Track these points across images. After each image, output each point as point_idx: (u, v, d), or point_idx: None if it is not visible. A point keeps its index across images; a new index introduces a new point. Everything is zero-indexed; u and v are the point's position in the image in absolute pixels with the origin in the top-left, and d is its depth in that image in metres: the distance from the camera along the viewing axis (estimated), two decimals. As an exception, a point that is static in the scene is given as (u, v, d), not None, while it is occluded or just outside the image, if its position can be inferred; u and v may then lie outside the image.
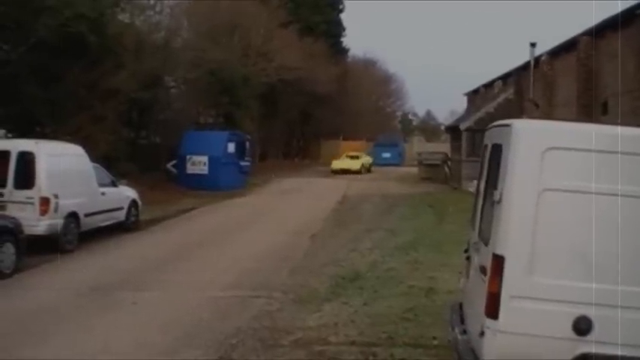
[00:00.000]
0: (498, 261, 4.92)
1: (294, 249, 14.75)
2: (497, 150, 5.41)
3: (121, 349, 7.65)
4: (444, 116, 76.00)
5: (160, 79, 29.40)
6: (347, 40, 60.20)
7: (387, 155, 53.22)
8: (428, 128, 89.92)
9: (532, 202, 4.84)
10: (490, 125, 6.17)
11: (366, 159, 47.08)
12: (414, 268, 12.07)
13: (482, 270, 5.31)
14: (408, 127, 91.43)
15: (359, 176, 40.88)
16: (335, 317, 8.88)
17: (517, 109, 26.51)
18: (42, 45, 18.67)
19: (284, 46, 38.23)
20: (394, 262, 12.78)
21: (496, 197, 5.07)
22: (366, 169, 44.97)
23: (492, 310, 4.94)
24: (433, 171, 36.69)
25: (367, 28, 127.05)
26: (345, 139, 56.17)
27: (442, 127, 59.45)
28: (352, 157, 46.16)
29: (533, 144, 4.91)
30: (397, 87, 78.44)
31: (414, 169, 41.08)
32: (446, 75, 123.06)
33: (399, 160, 53.00)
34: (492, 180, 5.46)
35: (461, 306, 6.46)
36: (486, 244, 5.33)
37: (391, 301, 9.68)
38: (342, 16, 57.26)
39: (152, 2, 28.70)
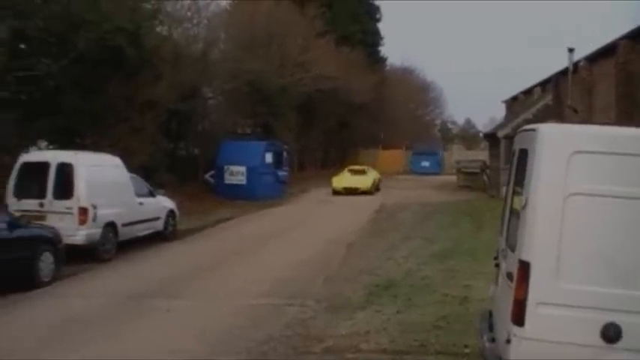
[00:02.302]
0: (524, 267, 4.86)
1: (330, 258, 14.75)
2: (523, 155, 5.36)
3: (152, 356, 7.73)
4: (483, 124, 75.26)
5: (197, 90, 29.69)
6: (385, 49, 60.17)
7: (425, 164, 52.89)
8: (467, 136, 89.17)
9: (558, 206, 4.77)
10: (518, 130, 6.11)
11: (375, 173, 37.16)
12: (449, 277, 11.97)
13: (509, 276, 5.26)
14: (448, 136, 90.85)
15: (397, 184, 40.03)
16: (367, 325, 8.85)
17: (556, 115, 26.17)
18: (82, 58, 18.96)
19: (321, 56, 38.27)
20: (429, 270, 12.69)
21: (522, 202, 5.02)
22: (376, 187, 35.27)
23: (518, 316, 4.88)
24: (472, 179, 36.37)
25: (405, 37, 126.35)
26: (383, 147, 56.00)
27: (480, 135, 58.64)
28: (357, 172, 36.35)
29: (559, 148, 4.85)
30: (436, 95, 78.07)
31: (453, 178, 40.75)
32: (485, 82, 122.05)
33: (437, 169, 52.59)
34: (519, 185, 5.40)
35: (490, 314, 6.40)
36: (513, 250, 5.28)
37: (424, 309, 9.61)
38: (380, 25, 57.22)
39: (190, 14, 29.01)
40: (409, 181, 44.58)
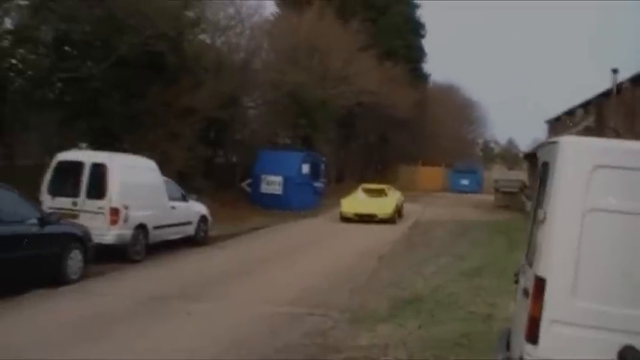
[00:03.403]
0: (540, 283, 4.72)
1: (359, 270, 14.65)
2: (546, 168, 5.23)
3: (168, 355, 7.77)
4: (526, 145, 74.42)
5: (238, 99, 29.89)
6: (428, 66, 59.97)
7: (464, 182, 52.44)
8: (509, 157, 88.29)
9: (577, 222, 4.62)
10: (542, 142, 5.97)
11: (397, 195, 28.88)
12: (476, 294, 11.77)
13: (526, 293, 5.12)
14: (490, 155, 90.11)
15: (434, 201, 39.30)
16: (387, 338, 8.72)
17: (597, 137, 25.67)
18: (123, 62, 19.28)
19: (363, 70, 38.19)
20: (457, 287, 12.50)
21: (540, 216, 4.88)
22: (398, 213, 27.53)
23: (532, 334, 4.73)
24: (510, 198, 35.88)
25: (450, 54, 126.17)
26: (423, 164, 55.66)
27: (520, 155, 57.84)
28: (375, 193, 28.08)
29: (580, 161, 4.70)
30: (479, 114, 77.50)
31: (492, 197, 40.29)
32: (528, 103, 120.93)
33: (477, 187, 52.08)
34: (540, 199, 5.27)
35: (510, 332, 6.24)
36: (531, 265, 5.14)
37: (447, 325, 9.45)
38: (424, 41, 57.04)
39: (233, 23, 29.24)
40: (447, 198, 44.28)
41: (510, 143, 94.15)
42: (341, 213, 25.79)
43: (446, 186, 53.50)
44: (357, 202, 26.84)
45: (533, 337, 4.72)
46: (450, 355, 8.01)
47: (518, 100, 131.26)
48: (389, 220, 25.31)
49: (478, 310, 10.41)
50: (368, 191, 28.32)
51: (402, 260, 16.33)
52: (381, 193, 28.01)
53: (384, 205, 26.37)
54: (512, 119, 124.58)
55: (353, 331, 9.11)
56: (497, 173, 56.39)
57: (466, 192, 49.39)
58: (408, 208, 30.74)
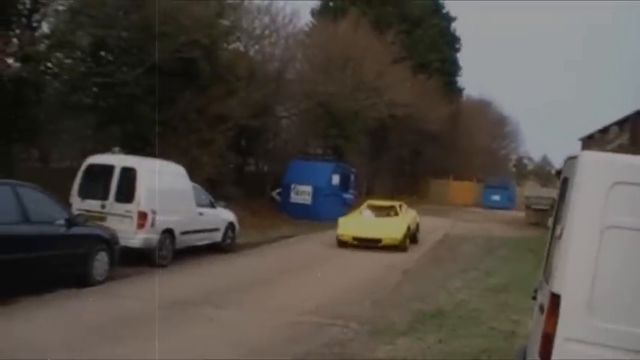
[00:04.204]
0: (555, 300, 4.66)
1: (383, 282, 14.60)
2: (565, 183, 5.17)
3: (187, 358, 7.83)
4: (560, 162, 73.55)
5: (270, 108, 30.00)
6: (462, 80, 59.72)
7: (496, 197, 51.86)
8: (543, 173, 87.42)
9: (595, 239, 4.56)
10: (565, 158, 5.90)
11: (410, 214, 23.31)
12: (500, 311, 11.67)
13: (542, 309, 5.06)
14: (523, 172, 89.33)
15: (465, 216, 38.93)
16: (406, 351, 8.68)
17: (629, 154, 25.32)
18: (157, 68, 19.46)
19: (397, 82, 38.17)
20: (481, 302, 12.40)
21: (557, 232, 4.83)
22: (411, 237, 21.95)
23: (545, 352, 4.67)
24: (541, 215, 35.37)
25: (484, 69, 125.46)
26: (455, 179, 55.30)
27: (552, 172, 57.15)
28: (382, 211, 22.97)
29: (600, 177, 4.64)
30: (512, 129, 76.97)
31: (523, 214, 39.86)
32: (563, 120, 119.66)
33: (508, 203, 51.46)
34: (559, 215, 5.21)
35: (526, 350, 6.17)
36: (547, 282, 5.08)
37: (468, 340, 9.37)
38: (459, 55, 56.86)
39: (268, 32, 29.42)
40: (477, 214, 43.89)
41: (544, 160, 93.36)
42: (337, 236, 20.71)
43: (477, 201, 53.02)
44: (358, 222, 21.62)
45: (546, 354, 4.67)
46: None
47: (552, 117, 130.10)
48: (398, 247, 20.13)
49: (501, 326, 10.32)
50: (374, 208, 23.08)
51: (428, 274, 16.24)
52: (390, 211, 22.77)
53: (393, 227, 20.88)
54: (547, 136, 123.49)
55: (372, 344, 9.08)
56: (529, 190, 55.76)
57: (497, 208, 48.87)
58: (433, 223, 30.49)
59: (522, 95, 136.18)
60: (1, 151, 16.63)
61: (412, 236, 22.05)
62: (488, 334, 9.82)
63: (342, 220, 21.48)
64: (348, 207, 31.33)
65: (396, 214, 22.40)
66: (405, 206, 23.59)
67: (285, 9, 31.14)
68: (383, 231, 20.57)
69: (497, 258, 20.22)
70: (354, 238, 20.35)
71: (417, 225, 23.49)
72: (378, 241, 20.24)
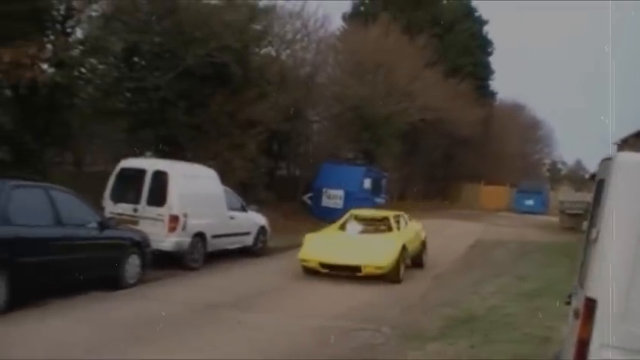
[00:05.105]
0: (590, 305, 4.54)
1: (413, 287, 14.47)
2: (601, 186, 5.06)
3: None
4: (594, 166, 72.53)
5: (301, 112, 30.02)
6: (494, 84, 59.27)
7: (529, 202, 51.18)
8: (577, 178, 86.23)
9: (631, 241, 4.44)
10: (601, 160, 5.77)
11: (412, 229, 17.56)
12: (534, 316, 11.47)
13: (577, 314, 4.94)
14: (557, 176, 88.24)
15: (497, 221, 38.51)
16: (437, 356, 8.59)
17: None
18: (189, 73, 19.62)
19: (428, 86, 38.01)
20: (514, 308, 12.22)
21: (592, 236, 4.72)
22: (415, 259, 16.75)
23: (581, 358, 4.55)
24: (575, 220, 34.85)
25: (516, 72, 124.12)
26: (487, 183, 54.82)
27: (586, 176, 56.31)
28: (371, 224, 17.07)
29: (636, 179, 4.52)
30: (545, 133, 76.01)
31: (557, 219, 39.35)
32: (597, 124, 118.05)
33: (542, 208, 50.75)
34: (594, 218, 5.09)
35: (560, 355, 6.05)
36: (582, 286, 4.97)
37: (500, 346, 9.23)
38: (491, 58, 56.43)
39: (299, 37, 29.46)
40: (510, 218, 43.37)
41: (578, 165, 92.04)
42: (301, 260, 14.97)
43: (509, 206, 52.46)
44: (331, 240, 15.68)
45: (581, 361, 4.55)
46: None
47: (586, 121, 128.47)
48: (387, 277, 14.47)
49: (534, 332, 10.15)
50: (361, 220, 17.16)
51: (459, 279, 16.09)
52: (380, 224, 16.82)
53: (379, 248, 14.78)
54: (581, 140, 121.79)
55: (402, 349, 8.98)
56: (563, 194, 55.00)
57: (531, 212, 48.23)
58: (463, 228, 30.14)
59: (556, 98, 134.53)
60: (35, 155, 16.83)
61: (416, 258, 16.74)
62: (522, 340, 9.66)
63: (309, 238, 15.61)
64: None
65: (389, 228, 16.36)
66: (405, 217, 17.74)
67: (316, 13, 31.10)
68: (364, 254, 14.50)
69: (530, 263, 19.94)
70: (323, 265, 14.53)
71: (423, 243, 17.78)
72: (356, 269, 14.37)
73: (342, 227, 16.82)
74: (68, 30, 18.01)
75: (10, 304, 9.30)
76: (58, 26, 17.84)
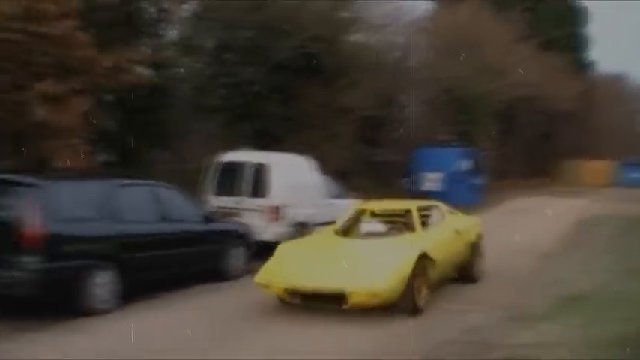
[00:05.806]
0: None
1: (519, 267, 14.21)
2: None
3: (309, 349, 8.05)
4: None
5: (394, 97, 29.89)
6: (594, 54, 57.15)
7: (636, 175, 49.11)
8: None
9: None
10: None
11: (453, 226, 11.80)
12: (646, 293, 11.10)
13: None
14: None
15: (601, 197, 36.79)
16: (547, 336, 8.42)
17: None
18: (280, 66, 19.89)
19: (522, 62, 37.01)
20: (624, 285, 11.82)
21: None
22: (462, 270, 12.06)
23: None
24: (688, 194, 33.34)
25: (618, 40, 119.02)
26: (589, 158, 52.91)
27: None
28: (385, 222, 11.49)
29: None
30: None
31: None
32: None
33: (651, 181, 48.53)
34: None
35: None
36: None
37: (613, 325, 8.92)
38: (588, 28, 54.29)
39: (388, 21, 29.24)
40: (615, 193, 41.61)
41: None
42: (257, 284, 9.94)
43: (615, 180, 50.49)
44: (308, 253, 10.43)
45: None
46: (616, 356, 7.60)
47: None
48: (387, 305, 9.38)
49: (648, 309, 9.82)
50: (371, 217, 12.18)
51: (566, 257, 15.68)
52: (398, 221, 11.63)
53: (379, 261, 9.38)
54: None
55: (512, 330, 8.85)
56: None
57: (638, 187, 46.30)
58: (565, 205, 29.21)
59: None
60: (137, 155, 17.47)
61: (461, 270, 12.11)
62: (636, 317, 9.36)
63: (280, 250, 10.56)
64: (479, 193, 30.83)
65: (410, 227, 11.05)
66: (441, 209, 12.40)
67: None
68: (352, 273, 9.23)
69: (639, 239, 19.23)
70: (290, 292, 9.54)
71: (473, 246, 12.49)
72: (338, 298, 9.14)
73: (341, 229, 11.66)
74: (161, 32, 18.57)
75: (125, 298, 9.78)
76: (152, 29, 18.42)
